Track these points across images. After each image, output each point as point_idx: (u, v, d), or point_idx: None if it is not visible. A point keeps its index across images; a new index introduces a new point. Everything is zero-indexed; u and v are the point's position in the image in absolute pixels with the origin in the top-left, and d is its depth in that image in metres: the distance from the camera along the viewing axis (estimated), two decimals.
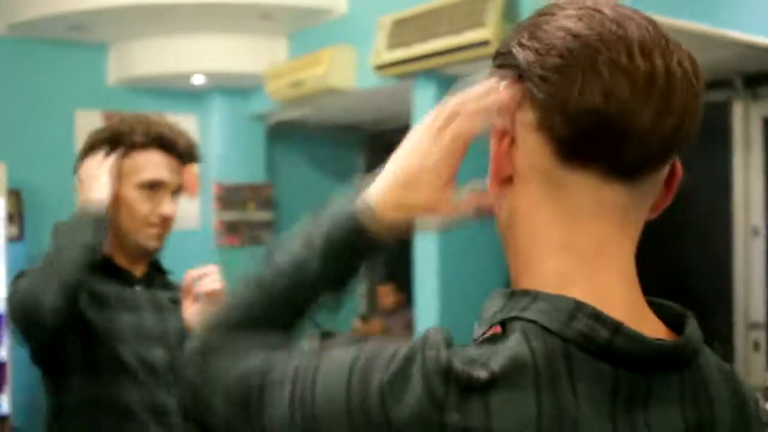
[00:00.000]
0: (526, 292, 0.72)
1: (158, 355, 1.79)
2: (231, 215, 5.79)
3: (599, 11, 0.73)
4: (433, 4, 3.81)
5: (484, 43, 3.47)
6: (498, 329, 0.71)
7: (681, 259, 3.96)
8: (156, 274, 1.90)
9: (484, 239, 3.52)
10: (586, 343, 0.68)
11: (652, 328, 0.73)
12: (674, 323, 0.76)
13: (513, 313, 0.71)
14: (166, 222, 1.81)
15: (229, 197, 5.78)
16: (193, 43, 5.20)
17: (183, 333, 1.81)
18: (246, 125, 5.72)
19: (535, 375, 0.67)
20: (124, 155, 1.78)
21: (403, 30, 3.92)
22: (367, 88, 4.44)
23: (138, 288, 1.84)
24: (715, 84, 3.45)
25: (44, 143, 5.28)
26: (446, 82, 3.88)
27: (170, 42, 5.22)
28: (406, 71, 3.99)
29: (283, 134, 5.88)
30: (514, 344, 0.68)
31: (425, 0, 3.87)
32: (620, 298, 0.73)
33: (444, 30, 3.66)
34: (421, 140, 0.82)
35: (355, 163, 6.03)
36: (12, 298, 1.68)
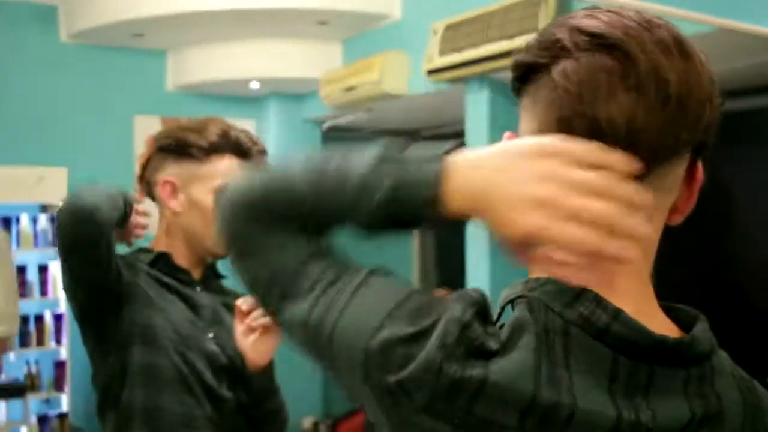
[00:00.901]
0: (537, 278, 0.75)
1: (215, 349, 1.79)
2: None
3: (618, 14, 0.75)
4: (486, 9, 3.81)
5: None
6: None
7: (741, 270, 3.89)
8: (213, 278, 1.90)
9: None
10: (586, 325, 0.71)
11: (660, 326, 0.75)
12: (689, 326, 0.77)
13: (521, 293, 0.74)
14: None
15: None
16: (250, 49, 5.27)
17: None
18: (301, 130, 5.78)
19: (535, 337, 0.70)
20: (201, 158, 1.79)
21: (456, 35, 3.93)
22: (420, 93, 4.46)
23: (198, 289, 1.85)
24: None
25: (104, 148, 5.39)
26: (498, 88, 3.88)
27: (227, 48, 5.29)
28: (458, 76, 4.00)
29: (337, 138, 5.93)
30: (518, 313, 0.72)
31: (478, 5, 3.87)
32: (626, 294, 0.74)
33: (496, 35, 3.66)
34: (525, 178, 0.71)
35: None
36: (59, 213, 1.63)
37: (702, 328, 0.76)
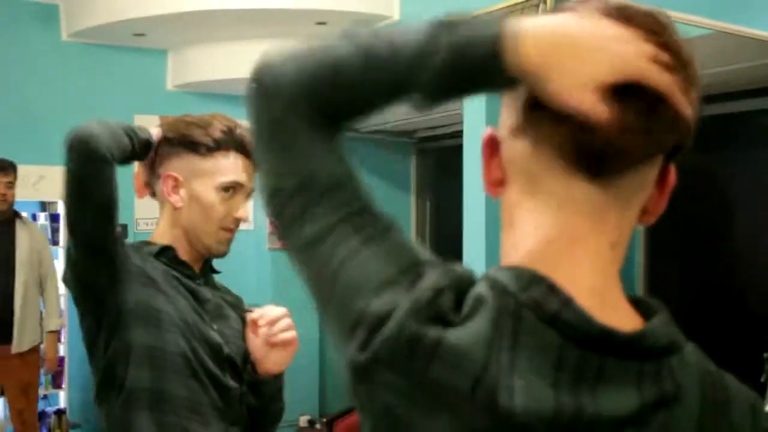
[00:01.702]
0: (507, 266, 0.76)
1: (219, 340, 1.78)
2: None
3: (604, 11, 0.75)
4: (483, 11, 3.83)
5: None
6: None
7: (740, 272, 3.91)
8: (209, 273, 1.89)
9: None
10: (537, 309, 0.71)
11: (622, 320, 0.75)
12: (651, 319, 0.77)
13: (487, 273, 0.75)
14: (238, 225, 1.80)
15: None
16: (250, 49, 5.26)
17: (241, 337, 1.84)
18: None
19: (493, 312, 0.71)
20: (204, 154, 1.77)
21: None
22: None
23: (200, 283, 1.83)
24: None
25: None
26: None
27: (227, 48, 5.31)
28: None
29: None
30: (479, 288, 0.73)
31: (475, 6, 3.89)
32: (586, 289, 0.74)
33: None
34: (608, 35, 0.73)
35: (406, 168, 6.07)
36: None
37: (660, 321, 0.75)
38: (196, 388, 1.71)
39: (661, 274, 4.03)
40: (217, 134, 1.77)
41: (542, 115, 0.75)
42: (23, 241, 4.66)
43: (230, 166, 1.78)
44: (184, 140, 1.78)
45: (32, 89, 5.29)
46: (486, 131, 0.82)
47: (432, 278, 0.73)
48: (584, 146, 0.73)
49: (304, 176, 0.78)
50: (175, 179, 1.78)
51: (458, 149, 3.92)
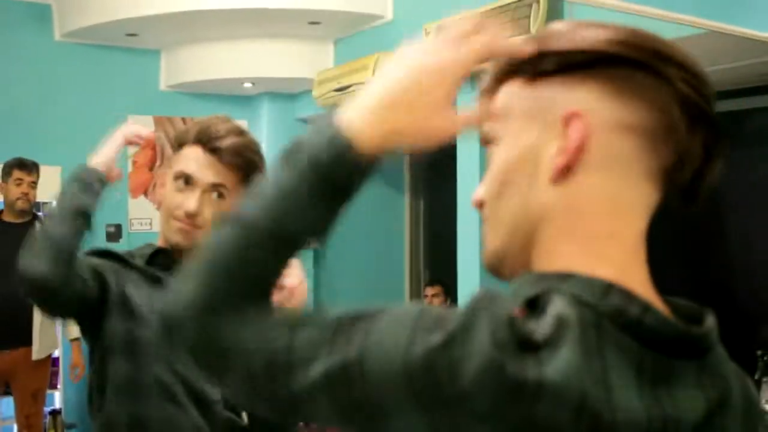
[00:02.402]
0: (557, 274, 0.75)
1: None
2: None
3: None
4: (477, 11, 3.83)
5: None
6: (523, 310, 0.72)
7: (734, 270, 3.92)
8: None
9: None
10: (618, 317, 0.70)
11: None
12: (693, 319, 0.78)
13: (549, 287, 0.73)
14: (191, 219, 1.73)
15: None
16: (243, 49, 5.28)
17: None
18: (293, 129, 5.79)
19: (578, 333, 0.68)
20: (174, 153, 1.82)
21: None
22: None
23: None
24: None
25: (98, 147, 5.38)
26: None
27: (220, 48, 5.30)
28: None
29: None
30: (560, 307, 0.70)
31: (470, 7, 3.89)
32: (650, 291, 0.76)
33: None
34: (427, 53, 0.76)
35: (400, 169, 6.08)
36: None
37: (712, 322, 0.77)
38: (174, 411, 1.72)
39: (654, 272, 4.05)
40: (180, 132, 1.82)
41: (682, 121, 0.77)
42: None
43: (183, 158, 1.77)
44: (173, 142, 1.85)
45: (25, 89, 5.27)
46: (577, 112, 0.76)
47: (495, 310, 0.68)
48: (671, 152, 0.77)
49: (266, 358, 0.73)
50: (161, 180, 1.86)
51: (452, 150, 3.92)
